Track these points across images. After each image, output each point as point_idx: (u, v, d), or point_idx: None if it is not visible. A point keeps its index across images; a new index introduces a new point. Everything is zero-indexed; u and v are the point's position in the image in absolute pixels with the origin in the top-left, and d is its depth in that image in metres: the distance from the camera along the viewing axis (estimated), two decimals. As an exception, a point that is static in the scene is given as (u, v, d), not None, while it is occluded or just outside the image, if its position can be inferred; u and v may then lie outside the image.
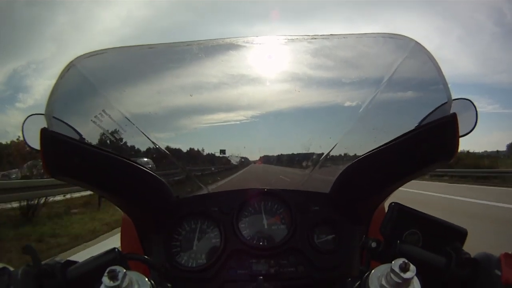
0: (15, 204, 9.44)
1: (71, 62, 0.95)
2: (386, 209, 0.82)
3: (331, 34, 1.03)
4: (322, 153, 1.16)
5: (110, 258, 0.73)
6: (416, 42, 0.97)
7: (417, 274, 0.60)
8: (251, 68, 1.16)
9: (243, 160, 1.23)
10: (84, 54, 0.98)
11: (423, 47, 0.96)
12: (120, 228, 1.25)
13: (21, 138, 0.93)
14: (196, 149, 1.25)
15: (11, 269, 0.71)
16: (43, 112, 0.91)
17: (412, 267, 0.59)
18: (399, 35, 1.00)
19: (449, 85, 0.92)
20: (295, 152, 1.27)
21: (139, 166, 1.01)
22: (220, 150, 1.23)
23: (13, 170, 19.80)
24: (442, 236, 0.77)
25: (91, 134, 1.00)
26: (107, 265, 0.62)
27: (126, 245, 1.18)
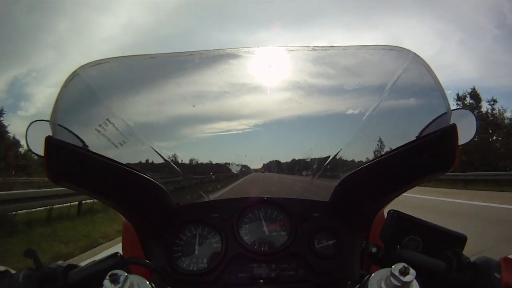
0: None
1: (75, 71, 0.97)
2: (386, 216, 0.82)
3: (331, 46, 1.05)
4: (323, 162, 1.17)
5: (112, 262, 0.74)
6: (415, 54, 0.99)
7: (417, 279, 0.60)
8: (253, 78, 1.18)
9: (244, 169, 1.24)
10: (88, 63, 0.99)
11: (422, 58, 0.98)
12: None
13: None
14: (197, 158, 1.26)
15: (13, 272, 0.71)
16: (46, 119, 0.92)
17: (412, 271, 0.60)
18: (398, 47, 1.02)
19: (449, 92, 0.93)
20: (296, 161, 1.28)
21: (140, 174, 1.02)
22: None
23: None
24: (442, 242, 0.78)
25: (95, 142, 1.01)
26: (109, 269, 0.62)
27: (128, 250, 1.18)
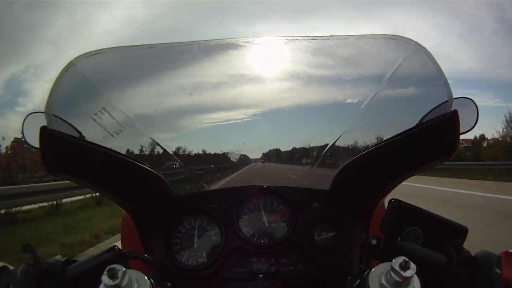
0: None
1: (71, 61, 0.96)
2: (386, 205, 0.82)
3: (331, 35, 1.04)
4: (322, 150, 1.16)
5: (110, 256, 0.73)
6: (416, 43, 0.97)
7: (417, 273, 0.60)
8: (251, 68, 1.16)
9: (243, 158, 1.24)
10: (84, 54, 0.98)
11: (423, 47, 0.96)
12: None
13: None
14: (196, 148, 1.26)
15: (11, 267, 0.71)
16: (43, 111, 0.91)
17: (413, 265, 0.59)
18: (399, 36, 1.01)
19: (450, 81, 0.92)
20: (295, 150, 1.28)
21: (138, 163, 1.01)
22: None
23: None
24: (443, 233, 0.77)
25: (91, 132, 1.00)
26: (107, 264, 0.62)
27: (126, 243, 1.18)
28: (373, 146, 1.02)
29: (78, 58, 0.97)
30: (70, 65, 0.95)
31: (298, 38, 1.06)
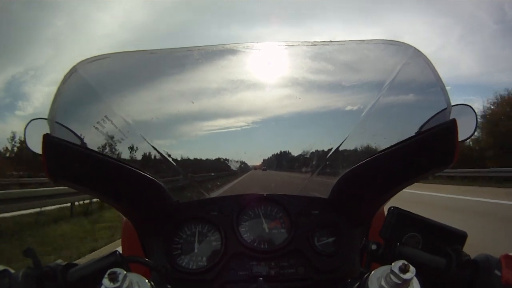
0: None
1: (74, 67, 0.96)
2: (386, 212, 0.82)
3: (331, 41, 1.05)
4: (322, 158, 1.17)
5: (111, 260, 0.73)
6: (415, 49, 0.98)
7: (417, 276, 0.60)
8: (251, 74, 1.17)
9: (243, 166, 1.24)
10: (86, 59, 0.98)
11: (422, 53, 0.97)
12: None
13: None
14: (196, 156, 1.26)
15: (12, 271, 0.71)
16: (45, 117, 0.92)
17: (412, 268, 0.60)
18: (398, 41, 1.01)
19: (449, 88, 0.93)
20: (295, 158, 1.28)
21: (138, 171, 1.01)
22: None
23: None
24: (442, 239, 0.77)
25: (93, 140, 1.00)
26: (108, 268, 0.62)
27: (127, 248, 1.18)
28: (373, 155, 1.02)
29: (80, 63, 0.97)
30: (73, 71, 0.96)
31: (298, 43, 1.06)
